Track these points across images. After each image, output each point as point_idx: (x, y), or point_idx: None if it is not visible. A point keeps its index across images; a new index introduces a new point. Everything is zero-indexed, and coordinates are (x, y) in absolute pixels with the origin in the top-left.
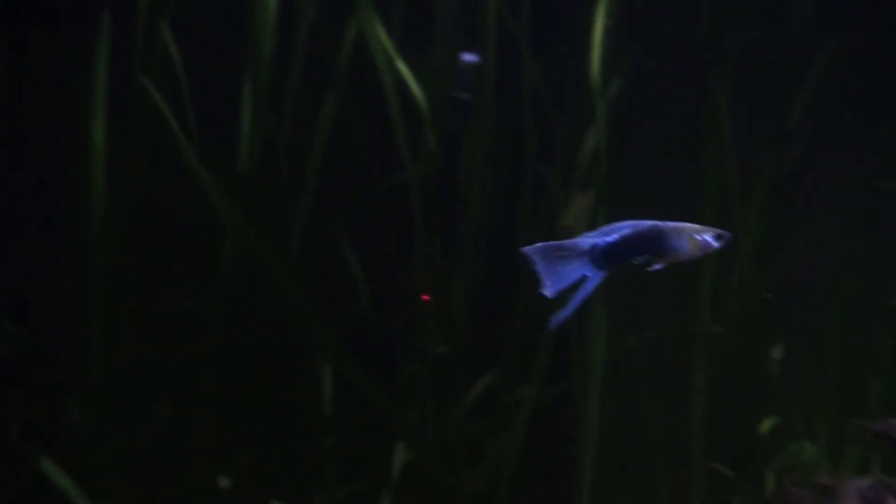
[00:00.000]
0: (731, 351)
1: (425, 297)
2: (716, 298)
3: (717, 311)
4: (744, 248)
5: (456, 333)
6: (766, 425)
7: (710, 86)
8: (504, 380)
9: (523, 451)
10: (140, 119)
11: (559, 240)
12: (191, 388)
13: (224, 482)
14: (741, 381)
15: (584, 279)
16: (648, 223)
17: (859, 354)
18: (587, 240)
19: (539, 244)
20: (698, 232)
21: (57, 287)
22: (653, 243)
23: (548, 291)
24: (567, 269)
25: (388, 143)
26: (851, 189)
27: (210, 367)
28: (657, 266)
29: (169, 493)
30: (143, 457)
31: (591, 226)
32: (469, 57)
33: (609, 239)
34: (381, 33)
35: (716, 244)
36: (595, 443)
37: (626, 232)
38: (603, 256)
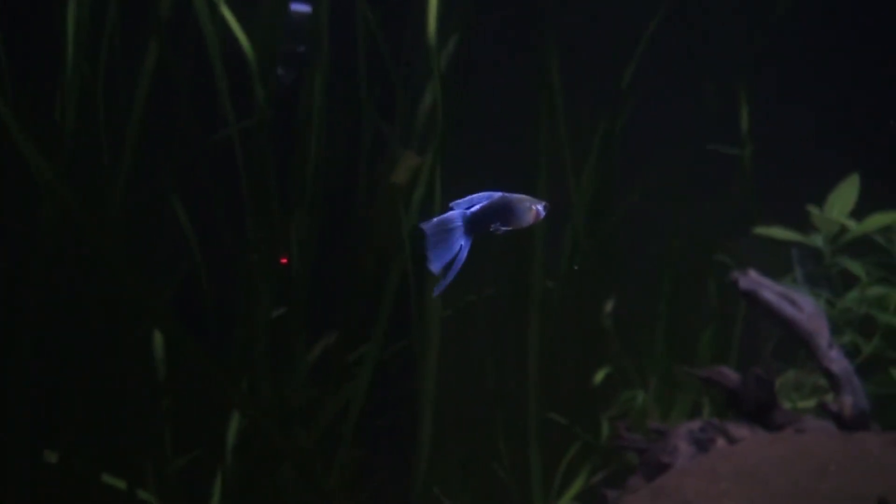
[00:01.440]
0: (565, 305)
1: (283, 260)
2: (548, 255)
3: (551, 266)
4: (578, 204)
5: (293, 294)
6: (599, 376)
7: (543, 51)
8: (344, 339)
9: (365, 409)
10: None
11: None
12: (9, 354)
13: (50, 456)
14: (575, 334)
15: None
16: (499, 195)
17: (689, 306)
18: (457, 212)
19: (427, 223)
20: (533, 202)
21: None
22: (505, 212)
23: (435, 267)
24: (449, 241)
25: (216, 95)
26: (680, 146)
27: (30, 332)
28: (502, 230)
29: None
30: None
31: (429, 184)
32: (301, 7)
33: (475, 209)
34: None
35: (543, 213)
36: (434, 397)
37: (486, 202)
38: (470, 225)
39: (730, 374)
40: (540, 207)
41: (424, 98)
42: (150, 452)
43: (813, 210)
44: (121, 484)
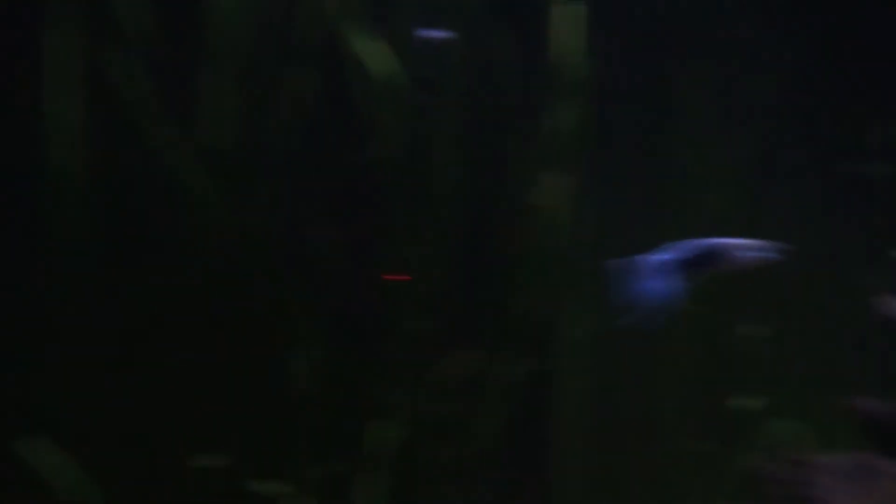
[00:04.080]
0: (709, 328)
1: (402, 277)
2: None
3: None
4: None
5: (433, 311)
6: (748, 403)
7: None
8: (483, 357)
9: (501, 427)
10: (112, 93)
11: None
12: (164, 366)
13: (201, 462)
14: (719, 358)
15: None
16: (715, 241)
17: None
18: (674, 254)
19: (641, 259)
20: (755, 247)
21: (24, 265)
22: (719, 258)
23: (638, 307)
24: (658, 281)
25: (354, 119)
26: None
27: (183, 344)
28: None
29: (146, 473)
30: (117, 437)
31: (574, 208)
32: (432, 33)
33: (689, 253)
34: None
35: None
36: (572, 420)
37: (701, 247)
38: (687, 267)
39: (879, 404)
40: (765, 252)
41: (562, 117)
42: (294, 461)
43: None
44: (274, 489)
